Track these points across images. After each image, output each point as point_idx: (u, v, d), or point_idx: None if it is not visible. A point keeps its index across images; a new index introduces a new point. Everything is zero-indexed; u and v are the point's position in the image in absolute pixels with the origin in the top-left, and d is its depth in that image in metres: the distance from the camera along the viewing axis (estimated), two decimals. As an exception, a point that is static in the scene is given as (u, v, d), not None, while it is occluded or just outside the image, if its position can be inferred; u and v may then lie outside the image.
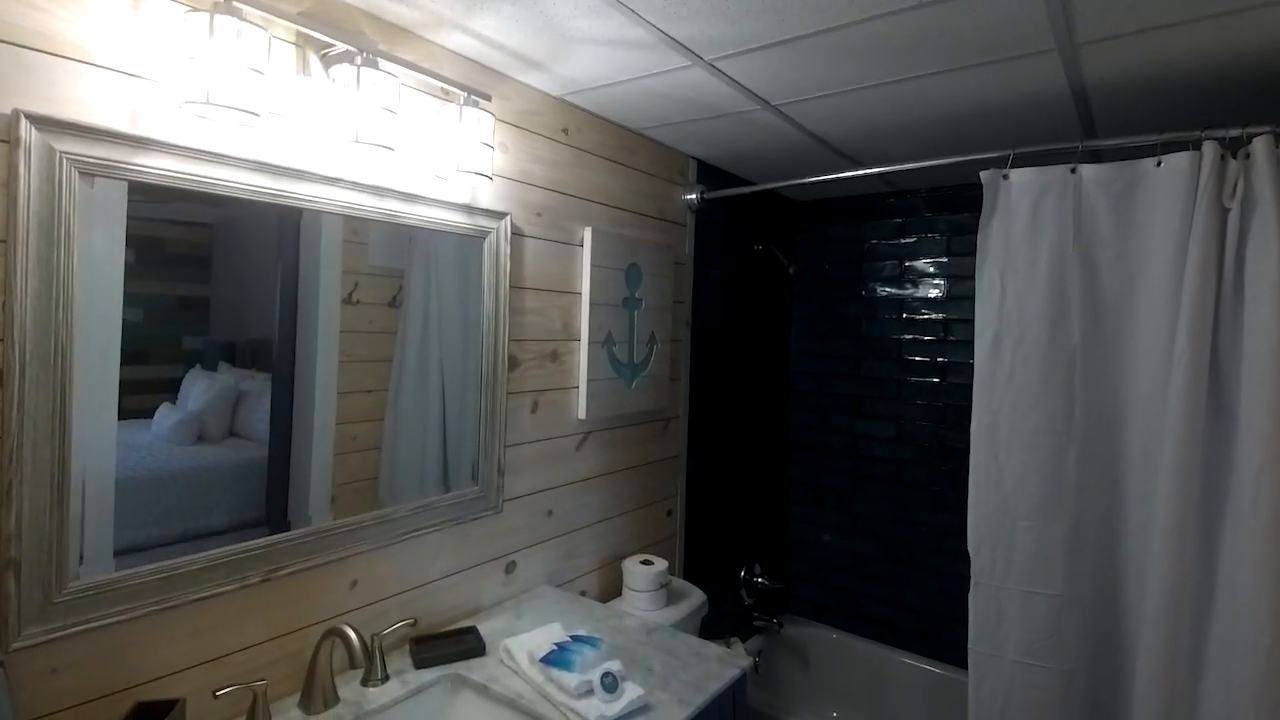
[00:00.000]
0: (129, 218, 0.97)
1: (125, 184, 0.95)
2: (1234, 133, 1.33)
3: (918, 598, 2.58)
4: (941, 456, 2.54)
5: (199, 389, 1.07)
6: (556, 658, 1.18)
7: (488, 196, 1.50)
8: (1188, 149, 1.35)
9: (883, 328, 2.68)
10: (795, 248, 2.87)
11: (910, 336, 2.61)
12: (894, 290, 2.66)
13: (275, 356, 1.16)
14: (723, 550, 2.47)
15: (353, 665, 1.06)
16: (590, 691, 1.12)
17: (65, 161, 0.89)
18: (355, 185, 1.22)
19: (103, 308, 0.95)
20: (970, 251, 2.46)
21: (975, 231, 1.59)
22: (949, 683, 2.37)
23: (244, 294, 1.12)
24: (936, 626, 2.53)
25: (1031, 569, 1.49)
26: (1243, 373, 1.30)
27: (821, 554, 2.83)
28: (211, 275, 1.07)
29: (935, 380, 2.56)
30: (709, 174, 2.27)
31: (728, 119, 1.78)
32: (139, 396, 1.00)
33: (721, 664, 1.29)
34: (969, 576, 1.57)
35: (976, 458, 1.57)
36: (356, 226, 1.27)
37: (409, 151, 1.29)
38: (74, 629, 0.91)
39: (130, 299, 0.98)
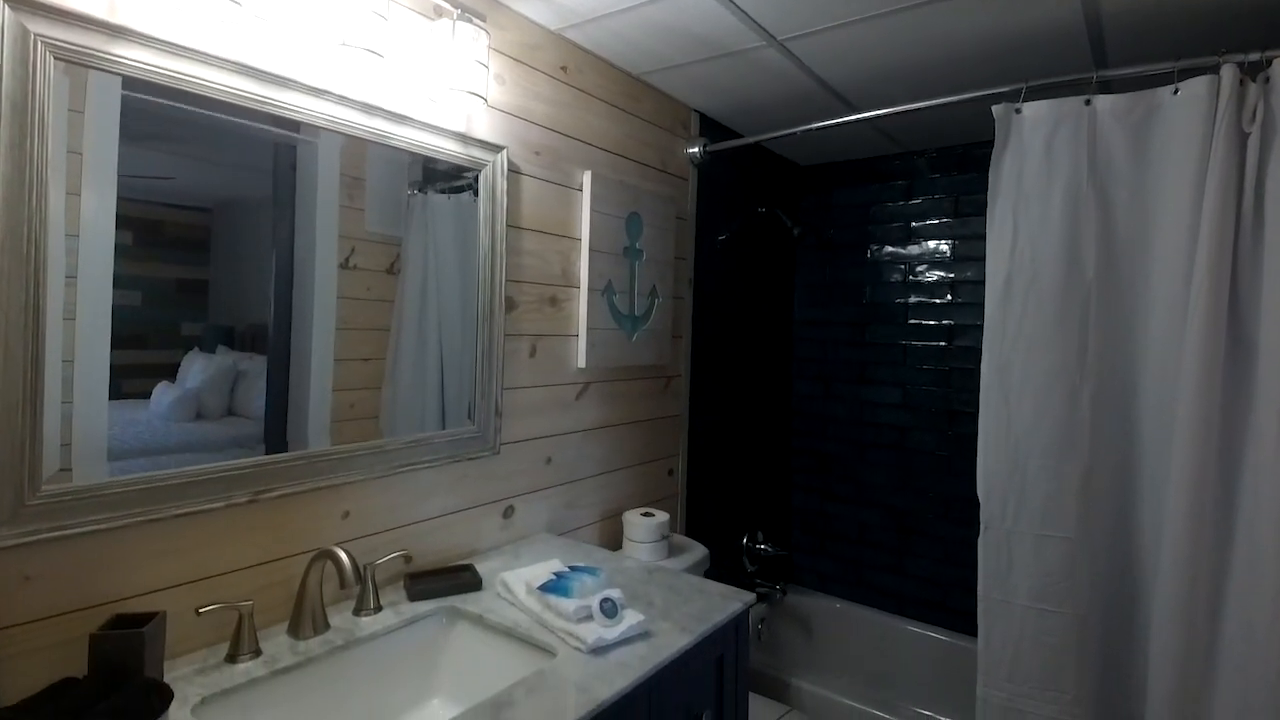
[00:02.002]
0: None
1: (117, 79, 0.92)
2: (1253, 57, 1.29)
3: (923, 565, 2.54)
4: (948, 421, 2.50)
5: (197, 367, 1.05)
6: (554, 585, 1.15)
7: (484, 128, 1.46)
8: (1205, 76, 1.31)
9: (887, 292, 2.64)
10: (799, 213, 2.83)
11: (916, 300, 2.57)
12: (899, 253, 2.61)
13: (274, 316, 1.13)
14: (725, 515, 2.43)
15: (343, 586, 1.02)
16: (589, 617, 1.08)
17: (40, 44, 0.85)
18: (343, 100, 1.18)
19: (96, 218, 0.92)
20: (978, 212, 2.44)
21: (983, 192, 1.55)
22: (955, 649, 2.33)
23: (243, 278, 1.10)
24: (942, 594, 2.49)
25: (1044, 512, 1.45)
26: (1263, 302, 1.26)
27: (825, 524, 2.79)
28: (210, 259, 1.05)
29: (942, 344, 2.52)
30: (712, 128, 2.23)
31: (731, 59, 1.74)
32: (137, 380, 0.98)
33: (724, 599, 1.26)
34: (975, 543, 1.52)
35: (987, 401, 1.53)
36: (353, 190, 1.24)
37: (399, 67, 1.25)
38: (49, 534, 0.87)
39: (128, 281, 0.96)
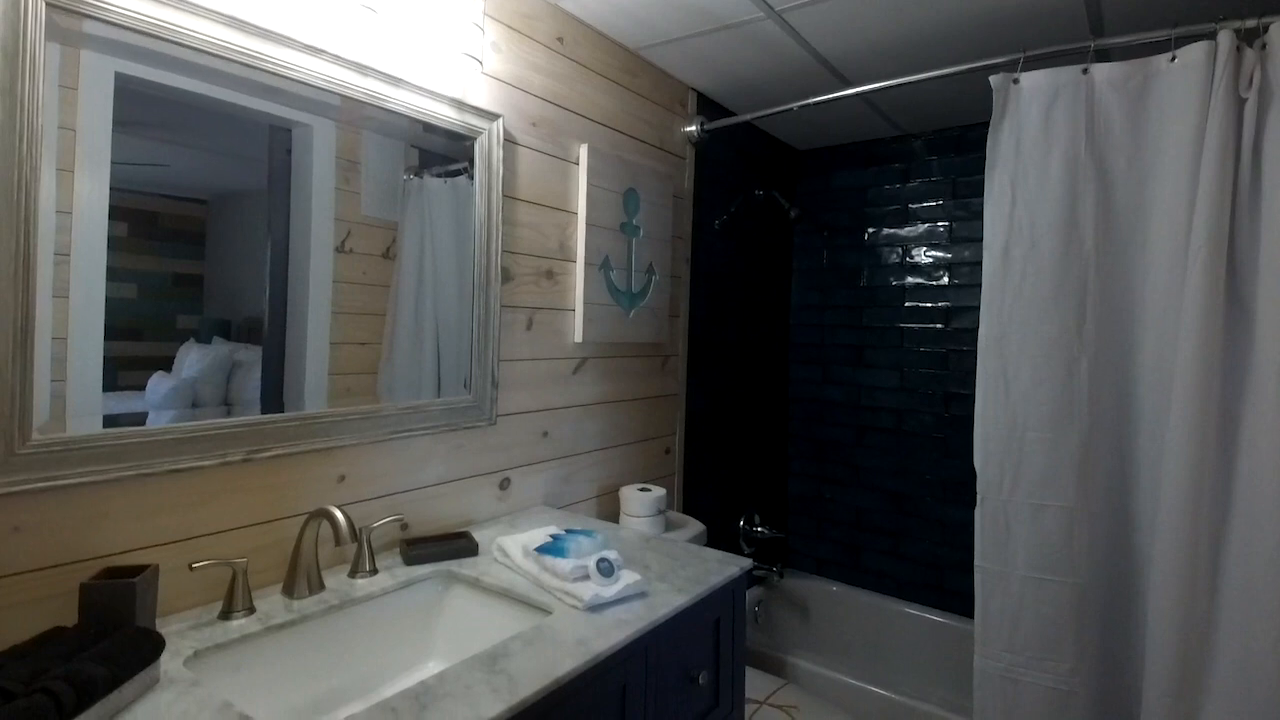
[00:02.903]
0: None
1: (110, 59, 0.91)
2: (1249, 23, 1.29)
3: (921, 548, 2.54)
4: (945, 403, 2.50)
5: (193, 358, 1.04)
6: (550, 547, 1.14)
7: (480, 95, 1.46)
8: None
9: (885, 275, 2.64)
10: (797, 197, 2.82)
11: (913, 282, 2.57)
12: (896, 235, 2.61)
13: (269, 305, 1.13)
14: (722, 496, 2.43)
15: (338, 543, 1.01)
16: (586, 576, 1.07)
17: (30, -12, 0.84)
18: (338, 60, 1.17)
19: (90, 199, 0.91)
20: (975, 194, 2.44)
21: (980, 174, 1.55)
22: (951, 631, 2.33)
23: (239, 271, 1.10)
24: (939, 576, 2.49)
25: (1041, 481, 1.45)
26: (1260, 265, 1.26)
27: (822, 509, 2.78)
28: (206, 252, 1.05)
29: (939, 326, 2.52)
30: (709, 108, 2.23)
31: (729, 33, 1.74)
32: (132, 373, 0.97)
33: (721, 564, 1.25)
34: (973, 524, 1.52)
35: (984, 371, 1.53)
36: (349, 174, 1.23)
37: (394, 25, 1.23)
38: (39, 484, 0.86)
39: (123, 274, 0.95)
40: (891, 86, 1.72)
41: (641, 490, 1.78)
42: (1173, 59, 1.35)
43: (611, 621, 1.00)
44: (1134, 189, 1.40)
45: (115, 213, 0.94)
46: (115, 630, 0.82)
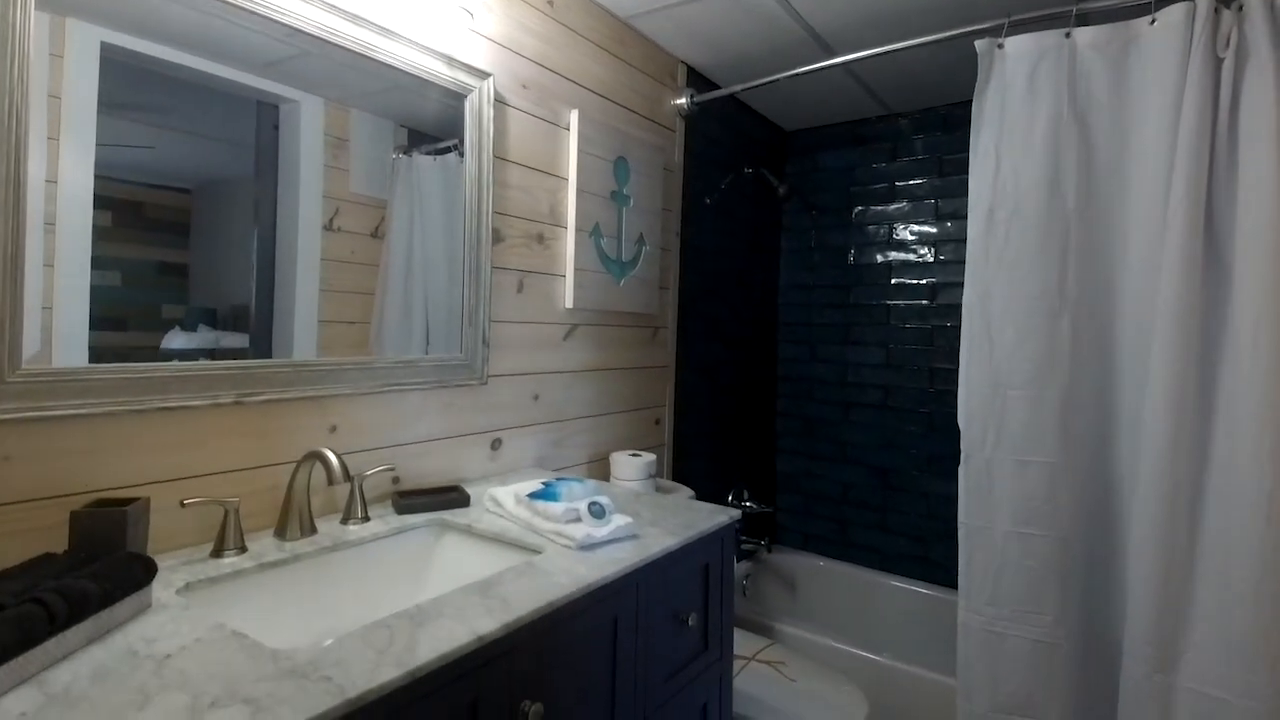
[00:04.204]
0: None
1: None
2: (1228, -14, 1.32)
3: (907, 521, 2.57)
4: (930, 378, 2.53)
5: (179, 342, 1.04)
6: (542, 493, 1.15)
7: (471, 53, 1.46)
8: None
9: (872, 253, 2.67)
10: (785, 178, 2.84)
11: (900, 259, 2.60)
12: (883, 213, 2.64)
13: (256, 291, 1.13)
14: (710, 470, 2.45)
15: (331, 483, 1.01)
16: (578, 519, 1.08)
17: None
18: (331, 7, 1.17)
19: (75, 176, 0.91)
20: (960, 172, 2.47)
21: (965, 152, 1.57)
22: (936, 602, 2.36)
23: (225, 259, 1.10)
24: (924, 549, 2.52)
25: (1024, 438, 1.48)
26: (1237, 221, 1.29)
27: (810, 485, 2.81)
28: (191, 241, 1.05)
29: (924, 302, 2.55)
30: (699, 83, 2.24)
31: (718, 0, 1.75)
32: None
33: (711, 514, 1.26)
34: (957, 497, 1.54)
35: (969, 332, 1.55)
36: (338, 151, 1.23)
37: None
38: (29, 413, 0.86)
39: (107, 262, 0.94)
40: (879, 54, 1.74)
41: (632, 455, 1.79)
42: (1152, 21, 1.38)
43: (603, 558, 1.01)
44: (1115, 149, 1.42)
45: (99, 201, 0.93)
46: (106, 556, 0.81)
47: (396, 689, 0.66)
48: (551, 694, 0.86)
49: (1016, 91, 1.50)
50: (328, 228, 1.23)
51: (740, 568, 2.51)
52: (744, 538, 2.57)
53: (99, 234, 0.93)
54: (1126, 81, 1.42)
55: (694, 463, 2.33)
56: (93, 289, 0.93)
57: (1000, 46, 1.52)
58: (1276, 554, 1.22)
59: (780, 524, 2.88)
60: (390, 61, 1.28)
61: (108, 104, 0.93)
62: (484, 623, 0.78)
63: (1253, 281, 1.26)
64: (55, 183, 0.89)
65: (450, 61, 1.39)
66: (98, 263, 0.94)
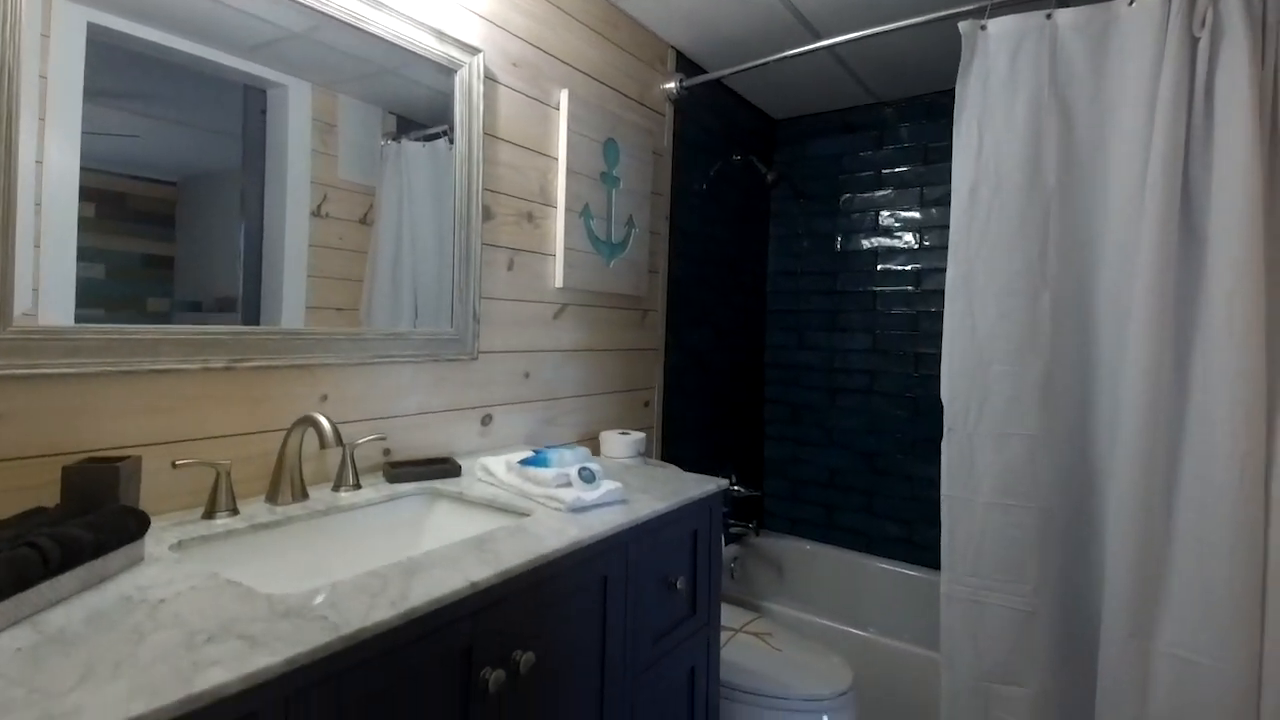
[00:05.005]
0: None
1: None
2: (1203, -33, 1.35)
3: (891, 505, 2.60)
4: (915, 363, 2.56)
5: None
6: (533, 460, 1.16)
7: (461, 28, 1.47)
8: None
9: (858, 240, 2.70)
10: (774, 166, 2.87)
11: (886, 245, 2.63)
12: (870, 200, 2.67)
13: (243, 277, 1.12)
14: (699, 453, 2.46)
15: (323, 446, 1.02)
16: (568, 483, 1.10)
17: None
18: (323, -25, 1.17)
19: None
20: (945, 159, 2.50)
21: (949, 139, 1.60)
22: (921, 583, 2.39)
23: (211, 251, 1.09)
24: (909, 531, 2.56)
25: (1006, 412, 1.50)
26: (1212, 196, 1.32)
27: (796, 471, 2.84)
28: (176, 234, 1.04)
29: (909, 288, 2.58)
30: (688, 68, 2.25)
31: (707, -19, 1.76)
32: None
33: (699, 482, 1.28)
34: (940, 480, 1.56)
35: (952, 309, 1.58)
36: (325, 136, 1.23)
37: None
38: (20, 370, 0.86)
39: (91, 254, 0.94)
40: (865, 37, 1.76)
41: (622, 434, 1.81)
42: (1131, 3, 1.41)
43: (593, 520, 1.02)
44: (1094, 127, 1.46)
45: (84, 193, 0.93)
46: (98, 509, 0.82)
47: (392, 628, 0.67)
48: (543, 646, 0.87)
49: (999, 72, 1.53)
50: (316, 214, 1.23)
51: (728, 551, 2.53)
52: (732, 521, 2.59)
53: (82, 224, 0.93)
54: (1106, 62, 1.45)
55: (683, 446, 2.35)
56: (77, 280, 0.93)
57: (983, 28, 1.55)
58: (1251, 517, 1.26)
59: (767, 509, 2.90)
60: (380, 34, 1.29)
61: (93, 90, 0.92)
62: (477, 571, 0.79)
63: (1227, 255, 1.30)
64: (42, 163, 0.89)
65: (441, 36, 1.40)
66: (82, 254, 0.93)
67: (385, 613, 0.68)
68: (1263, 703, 1.26)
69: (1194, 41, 1.34)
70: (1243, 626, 1.26)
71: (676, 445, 2.31)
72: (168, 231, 1.03)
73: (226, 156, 1.12)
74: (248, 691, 0.57)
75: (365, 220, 1.32)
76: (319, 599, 0.71)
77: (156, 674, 0.55)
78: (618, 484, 1.13)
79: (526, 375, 1.69)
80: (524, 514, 1.08)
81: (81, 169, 0.92)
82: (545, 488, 1.09)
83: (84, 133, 0.92)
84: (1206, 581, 1.29)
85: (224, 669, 0.56)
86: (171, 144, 1.04)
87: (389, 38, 1.31)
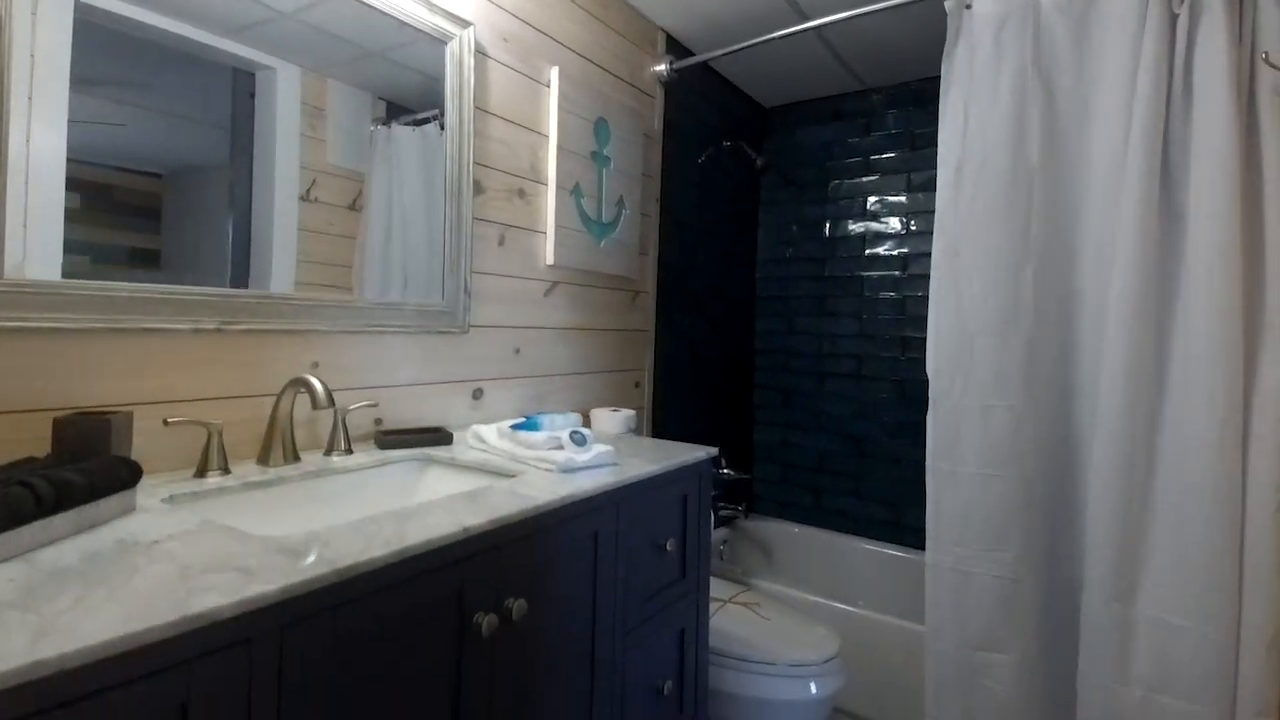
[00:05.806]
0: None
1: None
2: (1183, -55, 1.38)
3: (878, 488, 2.63)
4: (902, 347, 2.59)
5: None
6: (525, 425, 1.17)
7: (453, 0, 1.47)
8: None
9: (846, 225, 2.72)
10: (765, 153, 2.88)
11: (873, 230, 2.66)
12: (859, 187, 2.69)
13: (231, 258, 1.12)
14: (688, 435, 2.47)
15: (315, 407, 1.02)
16: (560, 446, 1.11)
17: None
18: (315, -58, 1.17)
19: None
20: (932, 144, 2.53)
21: (935, 125, 1.62)
22: (908, 563, 2.42)
23: (197, 245, 1.09)
24: (896, 513, 2.59)
25: (990, 384, 1.53)
26: (1191, 170, 1.35)
27: (786, 455, 2.86)
28: (163, 226, 1.04)
29: (897, 273, 2.61)
30: (677, 50, 2.27)
31: (697, -38, 1.78)
32: None
33: (690, 450, 1.29)
34: (926, 462, 1.58)
35: (937, 284, 1.60)
36: (315, 120, 1.23)
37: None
38: (9, 323, 0.86)
39: (76, 245, 0.93)
40: (852, 17, 1.78)
41: (613, 411, 1.82)
42: (1112, -19, 1.44)
43: (584, 479, 1.03)
44: (1077, 104, 1.48)
45: (70, 184, 0.92)
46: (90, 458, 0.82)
47: (386, 565, 0.68)
48: (535, 595, 0.88)
49: (984, 50, 1.55)
50: (305, 198, 1.23)
51: (717, 534, 2.54)
52: (722, 504, 2.61)
53: (68, 215, 0.92)
54: (1088, 40, 1.47)
55: (672, 428, 2.36)
56: (63, 274, 0.92)
57: (968, 7, 1.57)
58: (1229, 484, 1.28)
59: (757, 494, 2.92)
60: (370, 2, 1.29)
61: (80, 77, 0.91)
62: (470, 518, 0.80)
63: (1206, 228, 1.32)
64: (30, 143, 0.88)
65: (431, 6, 1.40)
66: (68, 246, 0.92)
67: (380, 551, 0.68)
68: (1240, 663, 1.29)
69: (1173, 19, 1.37)
70: (1221, 590, 1.29)
71: (666, 428, 2.32)
72: (154, 224, 1.03)
73: (215, 150, 1.10)
74: (242, 617, 0.57)
75: (354, 206, 1.32)
76: (314, 539, 0.71)
77: (152, 600, 0.56)
78: (609, 447, 1.14)
79: (517, 351, 1.70)
80: (516, 475, 1.09)
81: (68, 160, 0.91)
82: (537, 450, 1.10)
83: (71, 121, 0.91)
84: (1185, 547, 1.32)
85: (219, 594, 0.57)
86: (159, 134, 1.03)
87: (379, 7, 1.31)
